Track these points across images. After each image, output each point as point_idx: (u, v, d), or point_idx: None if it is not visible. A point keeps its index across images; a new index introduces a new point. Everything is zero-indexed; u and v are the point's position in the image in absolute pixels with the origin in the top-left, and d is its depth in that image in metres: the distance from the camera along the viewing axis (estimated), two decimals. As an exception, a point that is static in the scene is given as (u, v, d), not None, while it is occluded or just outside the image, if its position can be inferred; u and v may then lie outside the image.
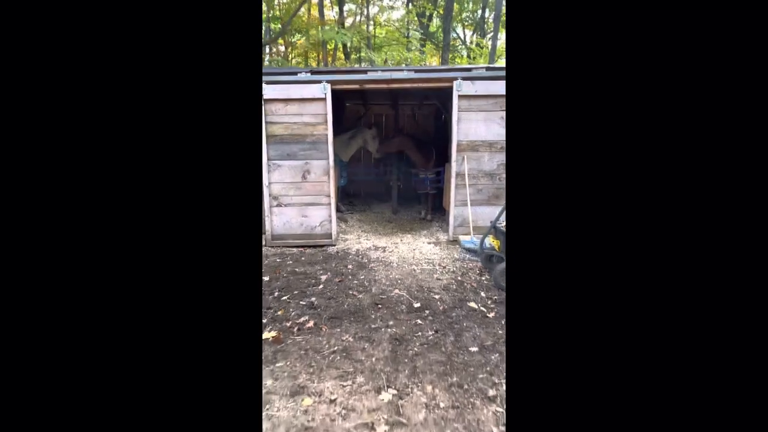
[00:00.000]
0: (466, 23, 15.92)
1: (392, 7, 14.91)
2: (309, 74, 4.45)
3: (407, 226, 5.72)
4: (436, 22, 14.55)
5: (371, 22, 14.23)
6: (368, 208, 7.00)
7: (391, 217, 6.38)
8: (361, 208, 6.97)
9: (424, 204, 6.20)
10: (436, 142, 6.29)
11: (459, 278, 3.58)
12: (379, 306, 2.96)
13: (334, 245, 4.68)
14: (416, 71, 4.54)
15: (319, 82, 4.35)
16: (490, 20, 14.27)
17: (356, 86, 4.50)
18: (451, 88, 4.41)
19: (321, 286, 3.38)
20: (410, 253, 4.36)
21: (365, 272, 3.74)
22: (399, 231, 5.44)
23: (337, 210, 6.46)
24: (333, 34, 8.99)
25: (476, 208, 4.56)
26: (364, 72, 4.61)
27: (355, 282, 3.48)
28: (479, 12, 15.00)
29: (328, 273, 3.72)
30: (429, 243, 4.77)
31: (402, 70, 4.55)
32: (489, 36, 14.27)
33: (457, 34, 15.69)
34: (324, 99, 4.36)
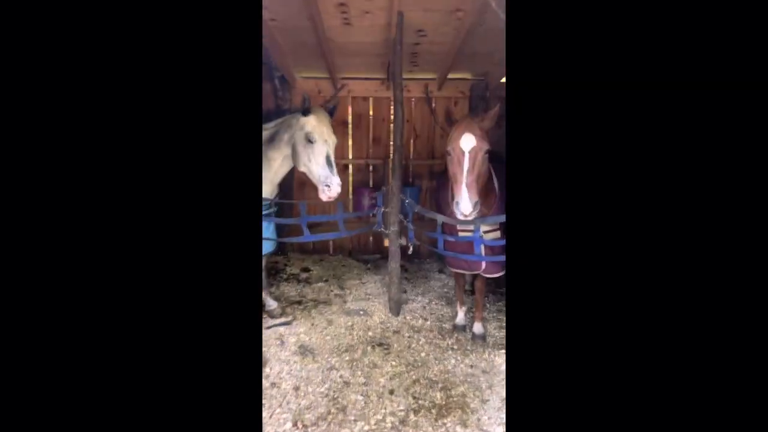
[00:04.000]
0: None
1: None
2: None
3: (438, 376, 1.92)
4: None
5: None
6: (335, 287, 3.20)
7: (386, 324, 2.61)
8: (318, 292, 3.15)
9: (470, 294, 2.45)
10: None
11: None
12: None
13: None
14: None
15: None
16: None
17: None
18: None
19: None
20: None
21: None
22: (422, 422, 1.64)
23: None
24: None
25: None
26: None
27: None
28: None
29: None
30: None
31: None
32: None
33: None
34: None
